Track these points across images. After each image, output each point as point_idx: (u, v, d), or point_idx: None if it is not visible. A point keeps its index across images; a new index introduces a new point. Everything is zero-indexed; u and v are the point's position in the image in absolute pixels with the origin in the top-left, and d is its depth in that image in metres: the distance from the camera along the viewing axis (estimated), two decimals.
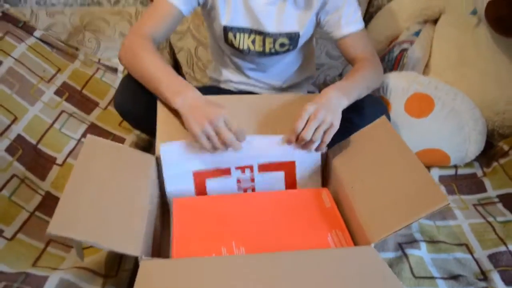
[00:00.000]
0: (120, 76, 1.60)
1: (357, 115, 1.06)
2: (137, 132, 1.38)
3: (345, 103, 1.00)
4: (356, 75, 1.08)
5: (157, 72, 1.00)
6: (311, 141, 0.96)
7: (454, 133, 1.27)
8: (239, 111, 1.02)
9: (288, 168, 1.04)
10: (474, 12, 1.33)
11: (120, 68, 1.61)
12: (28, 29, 1.44)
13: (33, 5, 1.85)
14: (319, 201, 0.98)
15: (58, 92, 1.37)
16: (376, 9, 1.78)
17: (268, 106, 1.08)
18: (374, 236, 0.83)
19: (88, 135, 0.91)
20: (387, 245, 1.05)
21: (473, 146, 1.29)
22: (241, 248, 0.84)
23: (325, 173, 1.08)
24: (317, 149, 1.00)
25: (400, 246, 1.05)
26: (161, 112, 1.03)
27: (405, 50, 1.51)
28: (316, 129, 0.94)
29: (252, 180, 1.04)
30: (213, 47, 1.37)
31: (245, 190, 1.05)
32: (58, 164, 1.20)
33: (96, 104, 1.44)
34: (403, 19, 1.59)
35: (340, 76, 1.73)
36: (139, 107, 1.08)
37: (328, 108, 0.95)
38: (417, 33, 1.52)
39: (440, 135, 1.28)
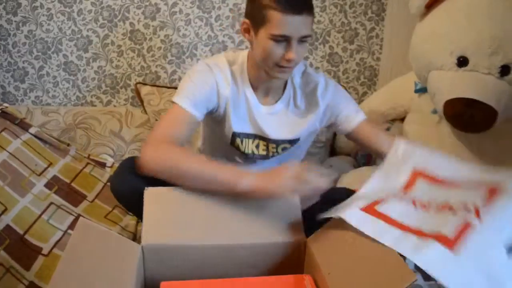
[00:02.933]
0: (108, 170, 1.66)
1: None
2: (123, 224, 1.43)
3: None
4: None
5: (204, 168, 1.03)
6: None
7: None
8: None
9: None
10: (434, 111, 1.47)
11: (109, 163, 1.68)
12: (24, 126, 1.53)
13: (29, 104, 1.98)
14: None
15: (48, 185, 1.43)
16: None
17: None
18: None
19: (81, 218, 0.95)
20: None
21: None
22: None
23: (305, 260, 1.12)
24: None
25: None
26: (148, 205, 1.05)
27: None
28: None
29: None
30: (212, 151, 1.40)
31: None
32: (43, 254, 1.22)
33: (84, 197, 1.49)
34: (374, 118, 1.73)
35: None
36: (134, 191, 1.11)
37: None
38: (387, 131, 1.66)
39: None
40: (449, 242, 0.84)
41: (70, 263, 0.84)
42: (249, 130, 1.27)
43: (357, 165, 1.73)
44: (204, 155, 1.43)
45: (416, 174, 1.09)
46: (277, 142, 1.28)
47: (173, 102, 1.16)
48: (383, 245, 0.94)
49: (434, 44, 1.41)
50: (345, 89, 1.90)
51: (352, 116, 1.26)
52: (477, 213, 0.89)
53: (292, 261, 1.08)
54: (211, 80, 1.19)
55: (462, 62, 1.35)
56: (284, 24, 1.05)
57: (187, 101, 1.15)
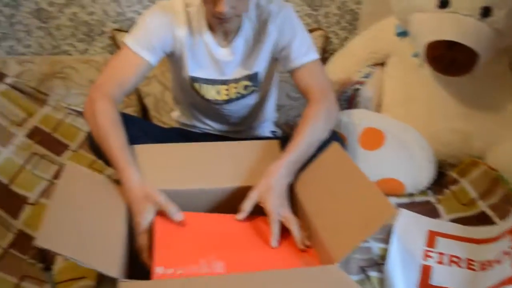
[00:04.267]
0: None
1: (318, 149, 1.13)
2: (108, 172, 1.43)
3: (289, 180, 1.08)
4: (304, 136, 1.11)
5: (114, 159, 1.02)
6: None
7: (406, 162, 1.38)
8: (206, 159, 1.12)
9: None
10: (415, 55, 1.48)
11: None
12: (0, 76, 1.49)
13: (2, 54, 1.91)
14: None
15: (29, 135, 1.42)
16: (329, 54, 1.93)
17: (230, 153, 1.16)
18: (338, 254, 0.90)
19: (68, 162, 0.96)
20: (351, 268, 1.11)
21: (425, 173, 1.40)
22: (219, 262, 0.90)
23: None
24: None
25: (363, 269, 1.12)
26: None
27: (357, 90, 1.65)
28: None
29: None
30: (177, 93, 1.41)
31: None
32: (30, 204, 1.23)
33: (66, 147, 1.48)
34: (355, 62, 1.74)
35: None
36: None
37: (275, 198, 1.03)
38: (367, 75, 1.67)
39: (393, 165, 1.39)
40: None
41: (60, 203, 0.85)
42: (208, 75, 1.24)
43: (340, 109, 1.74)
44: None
45: (433, 234, 1.21)
46: (237, 81, 1.26)
47: (123, 43, 1.15)
48: (364, 181, 0.97)
49: None
50: (326, 33, 1.90)
51: (296, 55, 1.20)
52: None
53: None
54: (165, 22, 1.17)
55: (444, 3, 1.35)
56: None
57: (139, 44, 1.14)
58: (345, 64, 1.76)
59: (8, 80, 1.51)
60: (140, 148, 1.11)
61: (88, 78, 1.78)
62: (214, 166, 1.12)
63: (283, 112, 1.82)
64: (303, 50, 1.21)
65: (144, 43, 1.14)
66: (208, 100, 1.28)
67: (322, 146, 1.12)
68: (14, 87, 1.51)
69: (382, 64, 1.71)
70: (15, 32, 1.92)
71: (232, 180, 1.08)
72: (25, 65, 1.77)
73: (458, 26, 1.33)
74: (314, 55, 1.23)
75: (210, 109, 1.33)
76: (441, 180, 1.48)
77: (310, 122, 1.13)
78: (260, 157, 1.14)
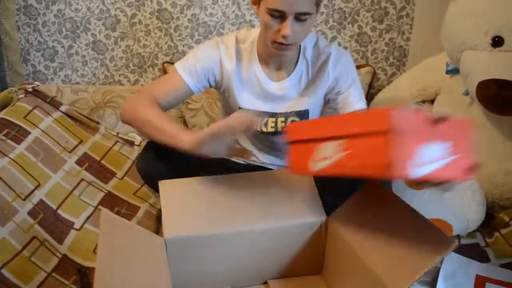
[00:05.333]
0: (136, 149, 1.69)
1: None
2: (151, 201, 1.45)
3: None
4: None
5: (158, 122, 1.09)
6: None
7: (454, 203, 1.33)
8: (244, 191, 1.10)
9: None
10: (466, 93, 1.44)
11: (137, 141, 1.71)
12: (55, 104, 1.56)
13: (59, 83, 2.01)
14: None
15: (78, 162, 1.46)
16: (376, 90, 1.91)
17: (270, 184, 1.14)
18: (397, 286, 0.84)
19: (103, 209, 0.95)
20: None
21: (474, 215, 1.34)
22: None
23: (327, 239, 1.11)
24: None
25: None
26: (164, 198, 1.07)
27: None
28: None
29: None
30: None
31: None
32: (75, 229, 1.26)
33: (114, 174, 1.52)
34: (403, 99, 1.71)
35: None
36: (159, 170, 1.15)
37: None
38: None
39: (441, 205, 1.33)
40: None
41: (108, 259, 0.83)
42: (258, 107, 1.28)
43: None
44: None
45: (482, 279, 1.17)
46: (286, 115, 1.29)
47: (173, 67, 1.23)
48: (412, 214, 0.93)
49: (468, 23, 1.38)
50: (374, 70, 1.88)
51: (353, 103, 1.25)
52: None
53: (314, 241, 1.09)
54: (215, 54, 1.24)
55: (497, 42, 1.32)
56: None
57: (184, 68, 1.21)
58: (393, 100, 1.73)
59: (63, 108, 1.57)
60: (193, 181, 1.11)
61: None
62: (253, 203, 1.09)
63: None
64: (357, 98, 1.26)
65: (189, 68, 1.22)
66: (256, 131, 1.30)
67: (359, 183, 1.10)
68: (67, 114, 1.57)
69: (431, 101, 1.67)
70: (72, 62, 2.03)
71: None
72: (79, 94, 1.85)
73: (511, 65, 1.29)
74: (364, 104, 1.28)
75: (258, 139, 1.36)
76: (491, 223, 1.41)
77: None
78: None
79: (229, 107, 1.33)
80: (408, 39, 1.95)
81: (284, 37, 1.09)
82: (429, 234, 0.87)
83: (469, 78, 1.37)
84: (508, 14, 1.30)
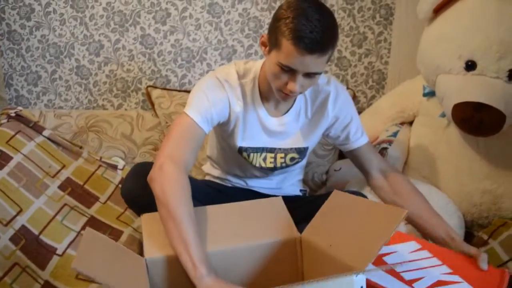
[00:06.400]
0: (119, 173, 1.69)
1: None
2: (135, 225, 1.45)
3: None
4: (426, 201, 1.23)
5: (181, 239, 0.97)
6: None
7: None
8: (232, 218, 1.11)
9: None
10: (443, 115, 1.48)
11: (120, 166, 1.71)
12: (38, 129, 1.56)
13: (42, 107, 2.01)
14: None
15: (61, 187, 1.46)
16: (357, 112, 1.95)
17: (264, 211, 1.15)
18: (360, 264, 0.88)
19: (87, 228, 0.95)
20: None
21: None
22: None
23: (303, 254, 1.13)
24: None
25: None
26: (146, 226, 1.07)
27: (385, 149, 1.64)
28: None
29: None
30: (218, 155, 1.41)
31: None
32: (58, 255, 1.25)
33: (97, 199, 1.51)
34: (382, 121, 1.75)
35: (327, 173, 1.84)
36: (144, 196, 1.13)
37: None
38: (395, 134, 1.67)
39: None
40: None
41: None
42: (257, 143, 1.28)
43: None
44: (216, 164, 1.44)
45: None
46: (286, 151, 1.30)
47: (185, 113, 1.16)
48: (370, 204, 1.02)
49: (442, 48, 1.43)
50: (354, 93, 1.92)
51: (355, 139, 1.29)
52: None
53: (291, 257, 1.11)
54: (223, 96, 1.20)
55: (470, 66, 1.37)
56: (293, 57, 1.04)
57: (202, 117, 1.15)
58: (373, 122, 1.76)
59: (46, 132, 1.57)
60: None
61: (121, 132, 1.85)
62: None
63: (310, 169, 1.82)
64: (359, 134, 1.30)
65: (205, 115, 1.16)
66: (254, 166, 1.31)
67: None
68: (50, 139, 1.57)
69: (409, 123, 1.71)
70: (56, 87, 2.03)
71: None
72: (63, 118, 1.85)
73: (485, 88, 1.33)
74: (366, 138, 1.31)
75: (253, 170, 1.36)
76: (470, 242, 1.42)
77: (416, 190, 1.25)
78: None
79: (227, 145, 1.32)
80: (386, 62, 2.01)
81: (291, 91, 1.10)
82: (382, 214, 0.94)
83: (445, 101, 1.41)
84: (480, 39, 1.34)
